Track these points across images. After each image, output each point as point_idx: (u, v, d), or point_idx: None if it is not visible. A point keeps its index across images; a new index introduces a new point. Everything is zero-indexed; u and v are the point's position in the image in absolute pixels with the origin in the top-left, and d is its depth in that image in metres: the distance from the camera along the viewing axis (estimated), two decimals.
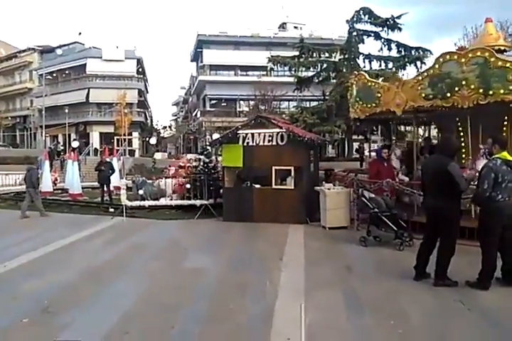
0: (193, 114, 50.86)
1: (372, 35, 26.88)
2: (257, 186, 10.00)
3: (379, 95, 8.65)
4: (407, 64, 25.24)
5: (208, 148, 11.69)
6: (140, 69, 46.79)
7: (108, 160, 13.84)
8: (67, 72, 46.48)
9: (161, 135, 60.16)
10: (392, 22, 26.01)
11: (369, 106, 9.05)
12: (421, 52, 26.12)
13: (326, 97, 28.94)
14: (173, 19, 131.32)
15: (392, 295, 4.92)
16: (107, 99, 39.54)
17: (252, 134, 9.91)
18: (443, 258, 5.21)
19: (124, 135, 35.66)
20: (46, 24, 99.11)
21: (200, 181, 10.88)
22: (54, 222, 10.95)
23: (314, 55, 27.25)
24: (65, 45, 47.86)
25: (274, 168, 9.70)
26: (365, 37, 27.03)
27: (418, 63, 24.67)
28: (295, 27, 50.61)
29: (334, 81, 27.70)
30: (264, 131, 9.82)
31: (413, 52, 26.38)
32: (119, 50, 43.59)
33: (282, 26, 51.04)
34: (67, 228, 9.70)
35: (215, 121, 39.68)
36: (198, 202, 10.77)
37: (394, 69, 25.17)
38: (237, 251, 7.06)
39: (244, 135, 9.97)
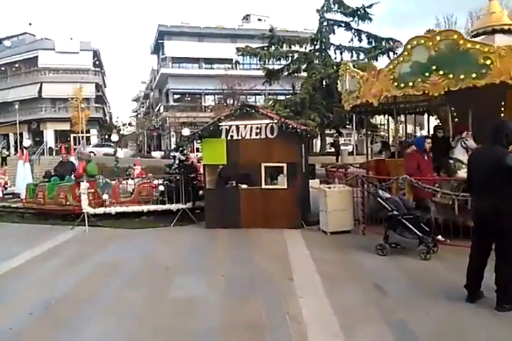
0: (156, 110, 48.63)
1: (343, 25, 26.08)
2: (244, 186, 8.69)
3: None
4: (379, 55, 24.55)
5: (184, 143, 10.22)
6: (97, 62, 44.07)
7: (71, 159, 12.14)
8: (16, 65, 42.97)
9: (121, 132, 57.40)
10: (362, 12, 25.27)
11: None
12: (391, 43, 25.53)
13: (296, 91, 27.91)
14: (131, 9, 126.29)
15: (454, 328, 3.78)
16: (61, 94, 36.75)
17: (237, 126, 8.56)
18: (506, 275, 4.13)
19: (82, 132, 33.26)
20: None
21: (176, 182, 9.44)
22: (1, 234, 9.21)
23: (284, 45, 26.13)
24: (13, 36, 44.30)
25: (263, 165, 8.41)
26: (335, 27, 26.19)
27: (390, 54, 23.95)
28: (259, 19, 49.33)
29: (304, 73, 26.70)
30: (251, 123, 8.50)
31: (383, 43, 25.77)
32: (74, 42, 40.75)
33: (246, 18, 49.68)
34: (17, 243, 8.04)
35: (180, 116, 37.85)
36: (174, 207, 9.33)
37: (366, 60, 24.38)
38: (232, 270, 5.73)
39: (228, 127, 8.61)
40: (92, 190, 9.81)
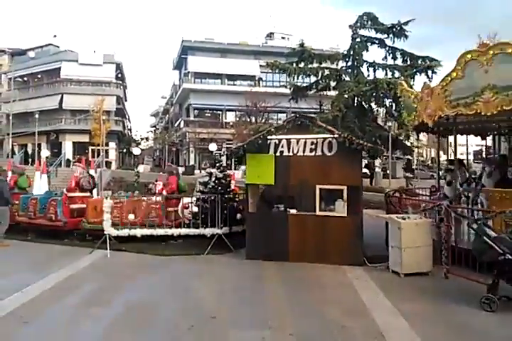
0: (176, 124, 47.92)
1: (377, 42, 25.00)
2: (293, 211, 7.40)
3: None
4: (416, 73, 23.33)
5: (222, 158, 9.02)
6: (119, 75, 43.71)
7: (91, 172, 11.09)
8: (39, 76, 42.82)
9: (139, 147, 56.86)
10: (398, 29, 24.21)
11: None
12: (427, 62, 24.35)
13: (323, 109, 26.78)
14: (155, 25, 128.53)
15: None
16: (82, 106, 36.09)
17: (288, 140, 7.34)
18: None
19: (102, 145, 32.46)
20: (18, 25, 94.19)
21: (211, 203, 8.19)
22: (11, 257, 8.01)
23: (314, 61, 25.14)
24: (38, 48, 44.27)
25: (318, 187, 7.13)
26: (369, 44, 25.14)
27: (429, 73, 22.70)
28: (282, 37, 49.03)
29: (332, 92, 25.60)
30: (306, 137, 7.27)
31: (419, 61, 24.61)
32: (97, 54, 40.47)
33: (269, 36, 49.41)
34: (28, 269, 6.85)
35: (200, 132, 36.99)
36: (208, 232, 8.07)
37: (402, 78, 23.20)
38: (301, 326, 4.38)
39: (277, 141, 7.39)
40: (17, 202, 10.01)
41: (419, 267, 6.27)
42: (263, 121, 33.69)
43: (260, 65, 40.20)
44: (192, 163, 37.82)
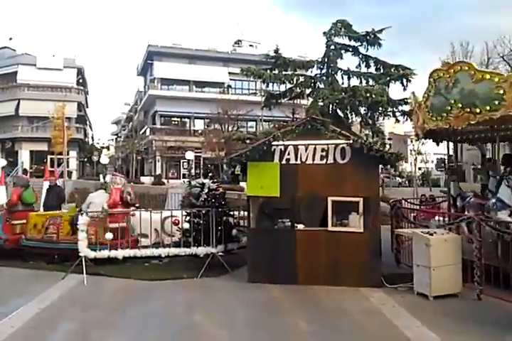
0: (141, 132, 46.16)
1: (351, 49, 24.85)
2: (301, 227, 6.56)
3: None
4: (391, 81, 23.29)
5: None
6: (81, 80, 41.64)
7: (58, 183, 9.84)
8: None
9: (105, 155, 54.47)
10: (372, 36, 24.17)
11: None
12: (400, 70, 24.43)
13: (297, 117, 26.33)
14: (119, 29, 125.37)
15: None
16: (40, 113, 33.98)
17: (296, 147, 6.53)
18: None
19: (62, 154, 30.46)
20: None
21: (205, 217, 7.22)
22: None
23: (289, 68, 24.68)
24: None
25: (330, 199, 6.35)
26: (343, 51, 24.96)
27: (404, 81, 22.71)
28: (250, 45, 48.67)
29: (304, 101, 25.21)
30: (315, 143, 6.49)
31: (392, 69, 24.67)
32: (57, 58, 38.36)
33: (237, 43, 48.88)
34: None
35: (168, 140, 35.64)
36: (201, 251, 7.08)
37: (377, 86, 23.11)
38: None
39: (283, 148, 6.57)
40: None
41: (449, 288, 5.59)
42: (235, 128, 32.84)
43: (229, 72, 39.52)
44: (159, 172, 36.34)
